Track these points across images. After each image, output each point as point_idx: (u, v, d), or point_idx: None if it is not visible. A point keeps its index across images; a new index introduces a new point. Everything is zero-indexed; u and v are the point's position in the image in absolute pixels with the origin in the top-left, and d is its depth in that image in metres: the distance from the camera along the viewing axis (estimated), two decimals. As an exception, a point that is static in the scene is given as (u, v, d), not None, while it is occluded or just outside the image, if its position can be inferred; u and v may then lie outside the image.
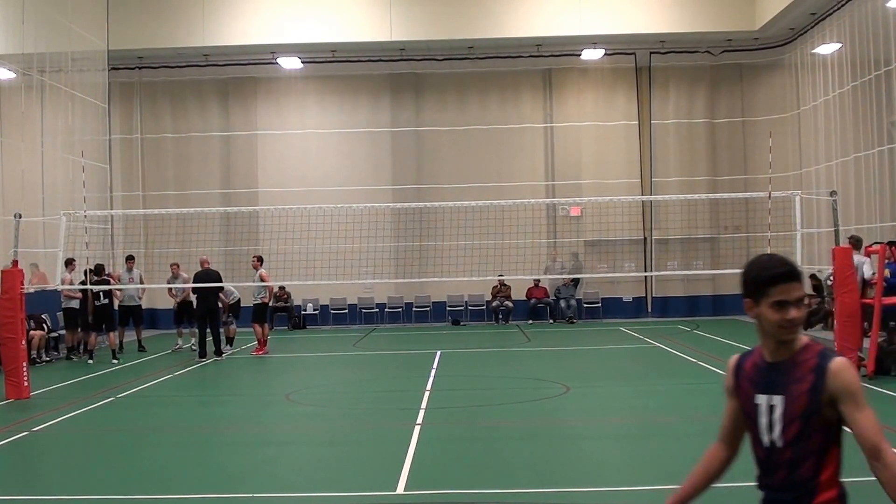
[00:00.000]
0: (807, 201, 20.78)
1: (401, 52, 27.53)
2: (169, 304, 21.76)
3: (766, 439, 3.27)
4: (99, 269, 19.66)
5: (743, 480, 8.38)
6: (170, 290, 21.34)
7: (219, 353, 19.03)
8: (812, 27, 24.78)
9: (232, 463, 9.79)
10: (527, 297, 27.24)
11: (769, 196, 16.98)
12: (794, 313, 3.20)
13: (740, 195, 24.21)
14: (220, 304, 19.52)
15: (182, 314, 20.99)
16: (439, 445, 10.28)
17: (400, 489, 8.17)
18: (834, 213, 15.45)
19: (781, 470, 3.23)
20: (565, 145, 28.20)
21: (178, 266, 20.92)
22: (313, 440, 11.12)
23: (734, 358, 3.45)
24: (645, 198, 26.68)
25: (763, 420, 3.25)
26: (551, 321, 27.24)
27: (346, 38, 26.23)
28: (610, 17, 25.90)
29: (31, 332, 17.96)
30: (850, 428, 3.09)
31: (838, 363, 3.10)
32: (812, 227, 21.68)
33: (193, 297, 19.80)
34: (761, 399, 3.24)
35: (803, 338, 3.25)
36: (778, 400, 3.18)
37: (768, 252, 3.52)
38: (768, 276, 3.27)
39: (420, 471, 8.82)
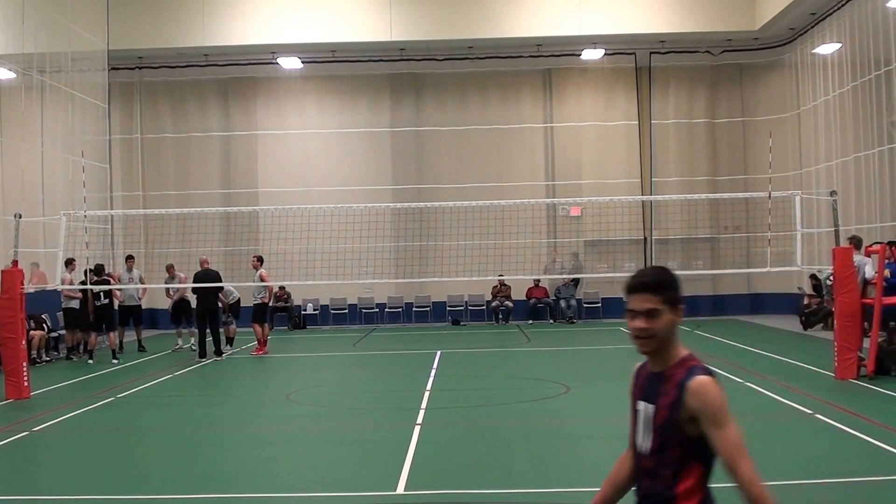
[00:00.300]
0: (807, 201, 20.77)
1: (401, 52, 27.53)
2: (168, 304, 21.74)
3: (638, 445, 3.35)
4: (99, 269, 19.66)
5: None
6: (167, 291, 21.36)
7: (219, 353, 19.03)
8: (812, 27, 24.78)
9: (232, 463, 9.79)
10: (527, 297, 27.23)
11: (769, 196, 16.97)
12: (638, 323, 3.27)
13: (740, 195, 24.21)
14: (220, 304, 19.52)
15: (180, 314, 21.01)
16: (439, 445, 10.28)
17: (400, 489, 8.17)
18: (834, 213, 15.44)
19: (645, 478, 3.30)
20: (565, 145, 28.20)
21: (174, 267, 20.97)
22: (313, 440, 11.12)
23: (638, 364, 3.51)
24: (645, 198, 26.68)
25: (640, 426, 3.33)
26: (551, 321, 27.24)
27: (346, 38, 26.23)
28: (610, 17, 25.90)
29: (31, 332, 17.97)
30: (721, 454, 3.17)
31: (697, 382, 3.19)
32: (812, 227, 21.67)
33: (192, 297, 19.80)
34: (640, 406, 3.34)
35: (683, 352, 3.34)
36: (651, 409, 3.28)
37: (659, 265, 3.57)
38: (626, 286, 3.34)
39: (420, 471, 8.82)
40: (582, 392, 13.83)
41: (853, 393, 12.81)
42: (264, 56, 27.23)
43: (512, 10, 26.03)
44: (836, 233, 15.17)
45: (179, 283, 20.70)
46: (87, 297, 18.99)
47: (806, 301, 23.36)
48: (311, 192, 26.44)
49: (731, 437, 3.18)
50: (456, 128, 28.20)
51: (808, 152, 25.57)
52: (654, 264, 2.91)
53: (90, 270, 18.99)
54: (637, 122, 28.18)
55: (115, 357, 18.88)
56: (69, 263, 18.64)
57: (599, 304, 27.76)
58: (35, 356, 18.06)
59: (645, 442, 3.31)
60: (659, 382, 3.30)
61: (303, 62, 27.49)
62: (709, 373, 3.28)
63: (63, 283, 18.18)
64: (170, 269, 21.03)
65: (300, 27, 25.88)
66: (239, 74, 28.13)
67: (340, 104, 28.56)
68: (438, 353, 19.34)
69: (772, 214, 17.23)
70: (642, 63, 28.12)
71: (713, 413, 3.17)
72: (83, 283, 18.74)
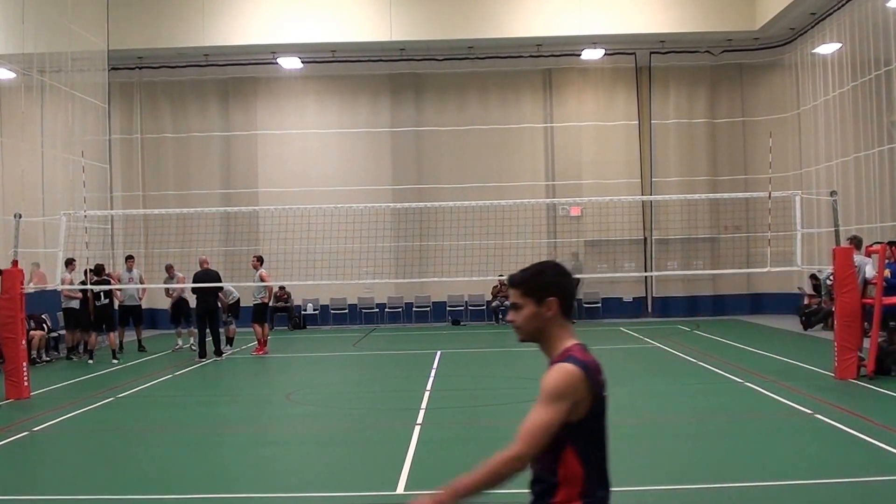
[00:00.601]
0: (807, 201, 20.78)
1: (401, 52, 27.53)
2: (168, 304, 21.74)
3: None
4: (99, 270, 19.66)
5: (753, 480, 8.32)
6: (167, 290, 21.37)
7: (219, 353, 19.03)
8: (812, 27, 24.78)
9: (232, 463, 9.79)
10: (527, 297, 27.17)
11: (769, 196, 16.97)
12: (510, 316, 3.52)
13: (740, 195, 24.23)
14: (220, 304, 19.52)
15: (179, 314, 21.01)
16: (439, 445, 10.27)
17: (400, 489, 8.17)
18: (834, 213, 15.44)
19: (535, 463, 3.47)
20: (565, 145, 28.20)
21: (173, 267, 20.98)
22: (313, 440, 11.11)
23: None
24: (645, 198, 26.68)
25: None
26: (551, 321, 27.18)
27: (346, 38, 26.23)
28: (610, 17, 25.90)
29: (31, 332, 17.96)
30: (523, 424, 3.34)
31: (556, 365, 3.39)
32: (812, 227, 21.68)
33: (192, 298, 19.80)
34: None
35: (569, 343, 3.49)
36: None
37: (542, 261, 3.69)
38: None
39: (420, 471, 8.82)
40: (582, 392, 13.80)
41: (853, 393, 12.81)
42: (264, 56, 27.24)
43: (512, 10, 26.03)
44: (837, 233, 15.16)
45: (178, 282, 20.71)
46: (87, 297, 18.99)
47: (806, 301, 23.36)
48: (311, 192, 26.44)
49: (534, 417, 3.36)
50: (456, 128, 28.20)
51: (808, 152, 25.57)
52: (542, 261, 3.07)
53: (90, 270, 18.99)
54: (637, 122, 28.18)
55: (115, 357, 18.88)
56: (69, 263, 18.64)
57: (599, 304, 27.76)
58: (35, 356, 18.06)
59: None
60: (546, 372, 3.50)
61: (303, 62, 27.49)
62: (580, 365, 3.39)
63: (63, 283, 18.18)
64: (169, 268, 21.06)
65: (300, 27, 25.89)
66: (239, 74, 28.13)
67: (340, 104, 28.56)
68: (438, 353, 19.34)
69: (772, 214, 17.22)
70: (642, 63, 28.12)
71: (542, 391, 3.38)
72: (83, 283, 18.74)
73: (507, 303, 24.16)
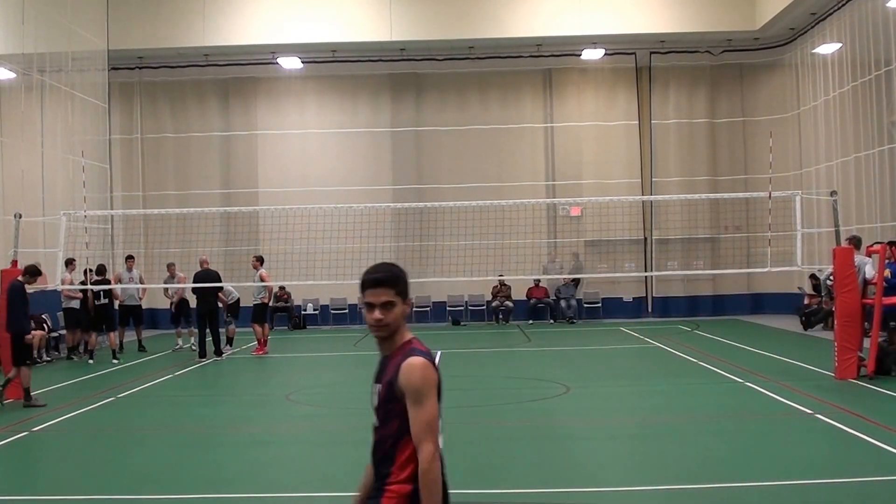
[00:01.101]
0: (807, 201, 20.78)
1: (401, 52, 27.53)
2: (168, 304, 21.74)
3: (373, 419, 3.76)
4: (101, 270, 19.68)
5: (757, 480, 8.32)
6: (165, 290, 21.38)
7: (219, 353, 19.03)
8: (812, 27, 24.77)
9: (232, 463, 9.79)
10: (527, 297, 27.23)
11: (769, 196, 16.97)
12: (377, 315, 3.70)
13: (740, 195, 24.22)
14: (220, 304, 19.52)
15: (179, 315, 21.02)
16: (439, 445, 10.26)
17: (400, 489, 8.15)
18: (834, 213, 15.44)
19: (376, 447, 3.72)
20: (565, 145, 28.19)
21: (175, 266, 20.95)
22: (313, 440, 11.11)
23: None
24: (645, 198, 26.68)
25: (372, 404, 3.75)
26: (552, 321, 27.24)
27: (346, 38, 26.23)
28: (610, 17, 25.89)
29: (31, 332, 17.93)
30: (410, 423, 3.55)
31: (410, 362, 3.60)
32: (812, 227, 21.67)
33: (192, 298, 19.80)
34: (374, 387, 3.75)
35: (408, 336, 3.74)
36: (377, 388, 3.71)
37: (389, 261, 3.95)
38: (362, 280, 3.78)
39: (420, 471, 8.81)
40: (582, 392, 13.83)
41: (853, 393, 12.81)
42: (264, 56, 27.23)
43: (512, 10, 26.03)
44: (837, 233, 15.17)
45: (178, 282, 20.70)
46: (87, 296, 18.99)
47: (806, 301, 23.36)
48: (312, 192, 26.43)
49: (423, 416, 3.54)
50: (456, 128, 28.19)
51: (809, 152, 25.56)
52: (385, 262, 3.36)
53: (89, 270, 18.99)
54: (637, 122, 28.17)
55: (115, 357, 18.88)
56: (69, 263, 18.65)
57: (600, 304, 27.76)
58: (35, 356, 18.04)
59: (374, 418, 3.73)
60: (385, 364, 3.73)
61: (303, 62, 27.48)
62: (427, 356, 3.65)
63: (63, 283, 18.18)
64: (171, 267, 21.03)
65: (300, 27, 25.88)
66: (239, 74, 28.12)
67: (340, 104, 28.55)
68: (438, 353, 19.31)
69: (772, 214, 17.22)
70: (642, 63, 28.12)
71: (413, 391, 3.55)
72: (83, 283, 18.74)
73: (506, 303, 24.14)
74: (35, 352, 18.18)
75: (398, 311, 3.71)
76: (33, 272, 14.15)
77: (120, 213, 24.70)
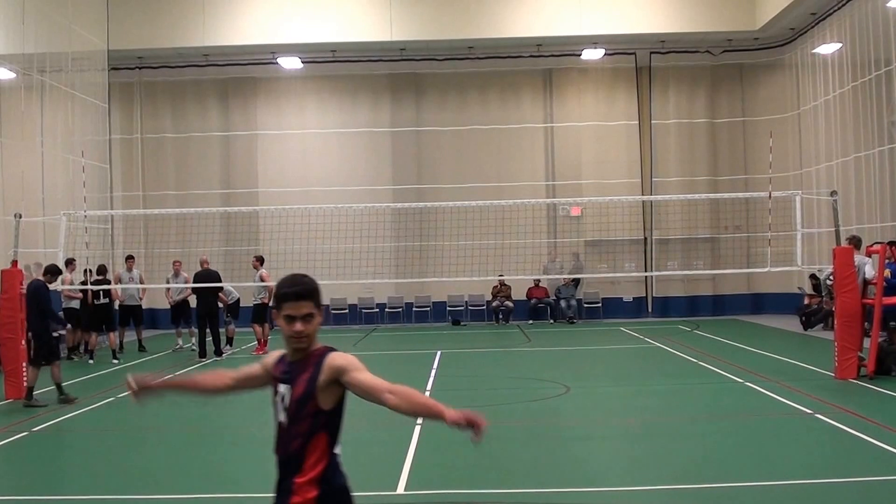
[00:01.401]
0: (807, 201, 20.77)
1: (401, 52, 27.53)
2: (168, 304, 21.73)
3: (280, 418, 3.90)
4: (101, 270, 19.66)
5: (761, 480, 8.33)
6: (167, 290, 21.35)
7: (219, 353, 19.03)
8: (812, 27, 24.77)
9: (232, 463, 9.79)
10: (527, 297, 27.23)
11: (769, 196, 16.97)
12: (298, 327, 3.83)
13: (740, 195, 24.23)
14: (220, 304, 19.52)
15: (179, 315, 20.99)
16: (439, 445, 10.26)
17: (400, 489, 8.17)
18: (834, 212, 15.43)
19: (283, 445, 3.86)
20: (565, 145, 28.19)
21: (181, 263, 20.86)
22: (313, 440, 11.09)
23: (276, 355, 4.08)
24: (645, 198, 26.68)
25: (280, 404, 3.89)
26: (552, 321, 27.24)
27: (346, 38, 26.23)
28: (610, 17, 25.89)
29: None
30: (359, 389, 3.78)
31: (333, 354, 3.85)
32: (812, 227, 21.68)
33: (192, 297, 19.80)
34: (282, 388, 3.89)
35: (320, 345, 3.93)
36: (288, 389, 3.86)
37: (300, 273, 4.10)
38: (281, 293, 3.88)
39: (420, 471, 8.82)
40: (582, 392, 13.83)
41: (853, 393, 12.81)
42: (264, 56, 27.24)
43: (512, 10, 26.03)
44: (837, 233, 15.17)
45: (184, 281, 20.64)
46: (86, 296, 18.99)
47: (806, 301, 23.36)
48: (311, 192, 26.44)
49: (368, 376, 3.80)
50: (456, 128, 28.19)
51: (809, 152, 25.56)
52: (298, 273, 3.65)
53: (88, 270, 19.00)
54: (637, 122, 28.17)
55: (115, 357, 18.88)
56: (69, 263, 18.63)
57: (600, 304, 27.76)
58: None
59: (283, 417, 3.87)
60: (298, 367, 3.87)
61: (303, 62, 27.48)
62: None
63: (63, 283, 18.17)
64: (176, 264, 20.88)
65: (300, 27, 25.88)
66: (239, 74, 28.12)
67: (340, 104, 28.55)
68: (438, 353, 19.33)
69: (772, 214, 17.23)
70: (642, 63, 28.12)
71: (352, 364, 3.81)
72: (83, 283, 18.74)
73: (506, 303, 24.14)
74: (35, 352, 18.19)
75: (317, 322, 3.89)
76: (54, 271, 14.54)
77: (120, 213, 24.70)
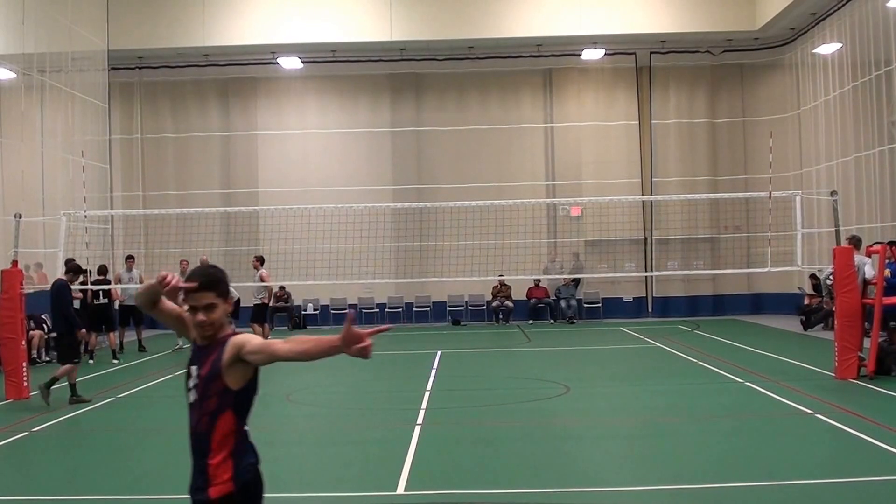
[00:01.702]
0: (807, 201, 20.78)
1: (401, 52, 27.53)
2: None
3: (189, 398, 4.11)
4: (102, 270, 19.65)
5: (760, 480, 8.33)
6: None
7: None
8: (812, 27, 24.77)
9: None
10: (527, 297, 27.23)
11: (770, 196, 16.97)
12: (200, 317, 4.04)
13: (741, 195, 24.24)
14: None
15: None
16: (439, 446, 10.27)
17: (400, 489, 8.17)
18: (835, 212, 15.43)
19: (192, 424, 4.06)
20: (565, 145, 28.19)
21: (188, 263, 20.78)
22: (313, 440, 11.11)
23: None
24: (645, 198, 26.69)
25: (189, 384, 4.10)
26: (552, 321, 27.24)
27: (346, 38, 26.23)
28: (610, 17, 25.89)
29: (31, 332, 17.95)
30: (258, 355, 3.92)
31: (239, 335, 4.02)
32: (812, 227, 21.68)
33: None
34: (192, 369, 4.10)
35: (228, 329, 4.11)
36: (196, 370, 4.08)
37: (210, 264, 4.32)
38: (186, 284, 4.09)
39: (420, 471, 8.82)
40: (582, 392, 13.83)
41: (853, 393, 12.81)
42: (264, 56, 27.24)
43: (512, 10, 26.03)
44: (837, 233, 15.16)
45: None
46: (86, 295, 18.99)
47: (806, 301, 23.36)
48: (312, 192, 26.45)
49: (263, 341, 3.98)
50: (456, 128, 28.20)
51: (809, 152, 25.56)
52: (208, 265, 4.32)
53: (87, 271, 18.99)
54: (637, 122, 28.17)
55: (115, 357, 18.88)
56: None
57: (600, 304, 27.76)
58: (35, 356, 18.05)
59: (194, 395, 4.07)
60: (206, 350, 4.08)
61: (303, 62, 27.48)
62: None
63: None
64: (183, 263, 20.80)
65: (300, 27, 25.89)
66: (239, 74, 28.13)
67: (340, 104, 28.56)
68: (438, 353, 19.34)
69: (772, 214, 17.24)
70: (642, 63, 28.12)
71: (251, 338, 3.97)
72: (82, 282, 18.72)
73: (506, 303, 24.16)
74: (35, 352, 18.21)
75: (220, 311, 4.07)
76: (76, 269, 14.63)
77: (120, 213, 24.69)
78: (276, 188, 27.39)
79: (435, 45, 26.90)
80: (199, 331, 4.07)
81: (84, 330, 13.97)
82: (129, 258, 20.94)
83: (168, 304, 4.37)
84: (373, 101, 28.40)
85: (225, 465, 3.94)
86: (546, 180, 28.05)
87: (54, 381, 13.17)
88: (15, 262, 14.77)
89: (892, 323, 14.16)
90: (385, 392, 14.96)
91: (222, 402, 3.97)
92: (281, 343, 3.91)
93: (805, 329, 22.11)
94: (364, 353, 3.75)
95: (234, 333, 4.06)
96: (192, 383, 4.08)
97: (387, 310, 27.56)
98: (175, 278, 4.14)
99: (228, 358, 3.96)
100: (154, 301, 4.30)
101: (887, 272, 14.14)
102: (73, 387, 13.40)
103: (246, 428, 4.05)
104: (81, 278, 18.80)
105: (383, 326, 4.00)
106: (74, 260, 18.92)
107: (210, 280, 4.07)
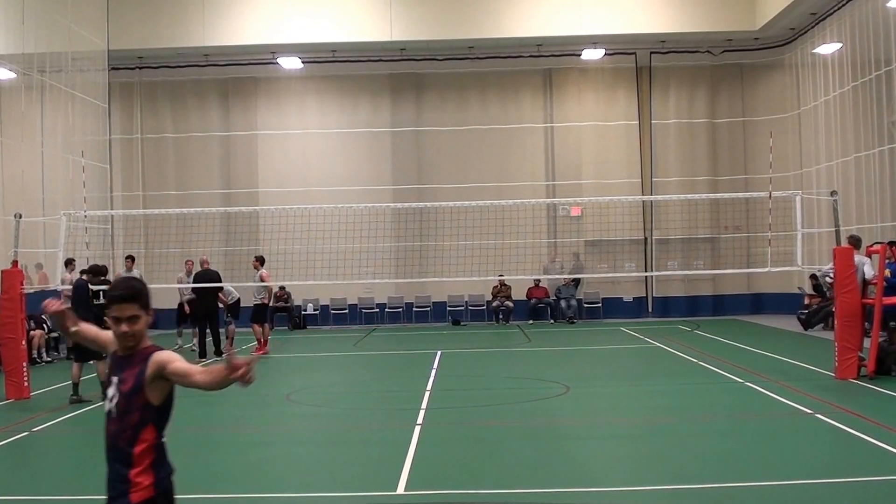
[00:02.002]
0: (807, 201, 20.78)
1: (401, 52, 27.53)
2: (168, 304, 21.71)
3: (107, 407, 4.14)
4: (102, 270, 19.59)
5: (758, 480, 8.33)
6: (180, 289, 21.20)
7: (219, 353, 19.03)
8: (812, 27, 24.78)
9: (231, 463, 9.78)
10: (527, 297, 27.23)
11: (770, 196, 16.97)
12: (124, 328, 4.09)
13: (741, 195, 24.25)
14: (220, 305, 19.51)
15: (187, 316, 20.74)
16: (439, 445, 10.27)
17: (400, 489, 8.17)
18: (835, 212, 15.43)
19: (112, 435, 4.08)
20: (565, 145, 28.20)
21: (193, 262, 20.69)
22: (313, 440, 11.11)
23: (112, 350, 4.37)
24: (645, 198, 26.69)
25: (109, 393, 4.14)
26: (552, 321, 27.24)
27: (346, 38, 26.24)
28: (610, 17, 25.90)
29: (31, 332, 17.96)
30: (178, 377, 4.03)
31: (159, 352, 4.09)
32: (812, 227, 21.68)
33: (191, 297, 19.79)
34: (113, 379, 4.15)
35: (149, 343, 4.17)
36: (116, 381, 4.12)
37: (130, 275, 4.16)
38: (108, 296, 4.15)
39: (420, 471, 8.82)
40: (582, 392, 13.83)
41: (853, 393, 12.81)
42: (264, 56, 27.24)
43: (512, 10, 26.03)
44: (837, 233, 15.16)
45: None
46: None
47: (806, 301, 23.35)
48: (312, 192, 26.45)
49: (185, 365, 4.06)
50: (456, 128, 28.20)
51: (809, 152, 25.57)
52: (129, 276, 4.91)
53: (83, 271, 18.99)
54: (637, 122, 28.17)
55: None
56: (69, 263, 18.63)
57: (600, 304, 27.76)
58: (35, 356, 18.05)
59: (114, 405, 4.10)
60: (127, 362, 4.13)
61: (303, 62, 27.49)
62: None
63: (63, 282, 18.16)
64: (189, 263, 20.75)
65: (300, 27, 25.89)
66: (239, 74, 28.13)
67: (340, 104, 28.56)
68: (438, 353, 19.34)
69: (772, 214, 17.23)
70: (642, 63, 28.12)
71: (172, 357, 4.06)
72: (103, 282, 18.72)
73: (506, 303, 24.21)
74: (35, 352, 18.21)
75: (143, 322, 4.13)
76: (96, 272, 14.93)
77: (120, 213, 24.69)
78: (276, 188, 27.40)
79: (435, 45, 26.90)
80: (122, 341, 4.12)
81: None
82: (129, 258, 20.92)
83: (84, 326, 4.53)
84: (373, 101, 28.41)
85: (145, 475, 4.02)
86: (546, 180, 28.05)
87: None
88: (15, 262, 14.78)
89: (892, 323, 14.15)
90: (385, 392, 14.96)
91: (144, 416, 4.04)
92: (198, 371, 4.02)
93: (805, 329, 22.11)
94: (243, 380, 3.92)
95: (156, 348, 4.12)
96: (111, 393, 4.12)
97: (387, 310, 27.56)
98: (55, 304, 4.32)
99: (151, 374, 4.04)
100: (65, 326, 4.41)
101: (887, 272, 14.14)
102: (75, 386, 13.42)
103: (164, 439, 4.13)
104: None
105: (255, 356, 4.22)
106: (74, 260, 19.02)
107: (134, 292, 4.13)
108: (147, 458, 4.03)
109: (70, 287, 18.65)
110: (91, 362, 13.48)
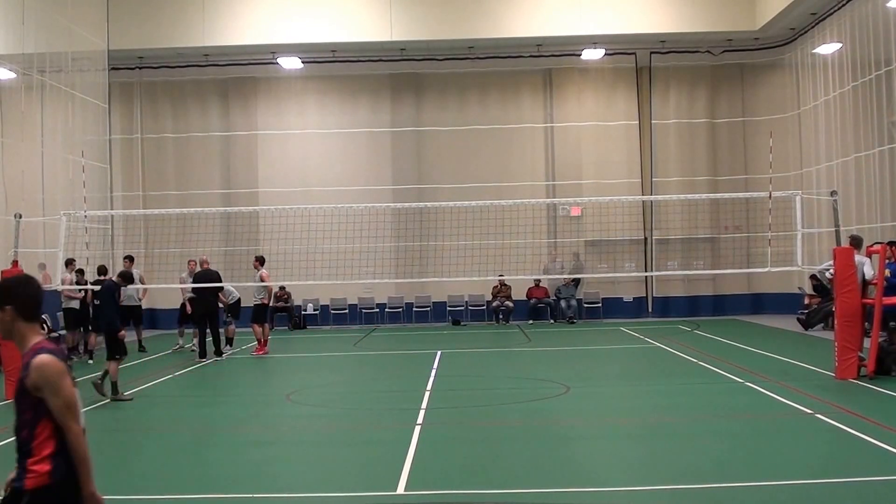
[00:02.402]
0: (807, 201, 20.78)
1: (401, 52, 27.53)
2: (169, 304, 21.72)
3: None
4: (102, 270, 19.62)
5: (758, 480, 8.33)
6: (182, 289, 21.18)
7: (219, 353, 19.03)
8: (812, 27, 24.78)
9: (232, 463, 9.79)
10: (527, 297, 27.23)
11: (770, 196, 16.97)
12: None
13: (741, 195, 24.24)
14: (220, 305, 19.51)
15: (188, 316, 20.67)
16: (439, 445, 10.27)
17: (400, 489, 8.17)
18: (835, 212, 15.44)
19: (17, 434, 4.16)
20: (565, 145, 28.19)
21: (195, 262, 20.65)
22: (313, 440, 11.11)
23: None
24: (645, 198, 26.69)
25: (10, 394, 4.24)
26: (552, 321, 27.24)
27: (346, 38, 26.23)
28: (610, 17, 25.89)
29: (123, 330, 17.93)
30: (53, 411, 4.05)
31: (37, 360, 4.08)
32: (812, 227, 21.68)
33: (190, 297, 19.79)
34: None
35: (36, 339, 4.20)
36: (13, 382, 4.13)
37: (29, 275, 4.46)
38: None
39: (420, 471, 8.82)
40: (582, 392, 13.83)
41: (853, 393, 12.81)
42: (264, 56, 27.24)
43: (512, 10, 26.03)
44: (837, 233, 15.17)
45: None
46: (86, 296, 18.99)
47: (806, 301, 23.35)
48: (312, 192, 26.45)
49: (60, 402, 4.06)
50: (456, 128, 28.20)
51: (809, 152, 25.57)
52: (11, 276, 4.45)
53: (81, 270, 19.01)
54: (637, 122, 28.17)
55: (115, 357, 18.84)
56: (69, 263, 18.64)
57: (600, 304, 27.75)
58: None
59: (15, 405, 4.20)
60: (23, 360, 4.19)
61: (303, 62, 27.48)
62: (50, 352, 4.13)
63: (63, 283, 18.17)
64: (191, 263, 20.70)
65: (300, 27, 25.88)
66: (239, 74, 28.12)
67: (340, 104, 28.56)
68: (438, 353, 19.34)
69: (772, 214, 17.23)
70: (643, 63, 28.12)
71: (47, 384, 4.05)
72: (79, 283, 18.73)
73: (506, 303, 24.30)
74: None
75: (5, 319, 4.18)
76: (128, 277, 15.64)
77: (120, 213, 24.70)
78: (276, 188, 27.39)
79: (435, 45, 26.90)
80: None
81: (123, 332, 14.28)
82: (128, 258, 20.90)
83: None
84: (373, 101, 28.41)
85: (43, 464, 4.08)
86: (546, 180, 28.05)
87: (106, 374, 13.80)
88: (15, 262, 14.77)
89: (892, 323, 14.15)
90: (385, 392, 14.97)
91: (37, 412, 4.08)
92: (76, 422, 4.08)
93: (805, 329, 22.11)
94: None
95: (37, 351, 4.11)
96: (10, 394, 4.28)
97: (387, 310, 27.56)
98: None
99: (31, 384, 4.07)
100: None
101: (887, 272, 14.14)
102: (114, 385, 13.81)
103: (59, 436, 4.14)
104: (81, 276, 18.88)
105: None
106: (74, 260, 19.01)
107: None
108: (46, 448, 4.08)
109: (70, 287, 18.76)
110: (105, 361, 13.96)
